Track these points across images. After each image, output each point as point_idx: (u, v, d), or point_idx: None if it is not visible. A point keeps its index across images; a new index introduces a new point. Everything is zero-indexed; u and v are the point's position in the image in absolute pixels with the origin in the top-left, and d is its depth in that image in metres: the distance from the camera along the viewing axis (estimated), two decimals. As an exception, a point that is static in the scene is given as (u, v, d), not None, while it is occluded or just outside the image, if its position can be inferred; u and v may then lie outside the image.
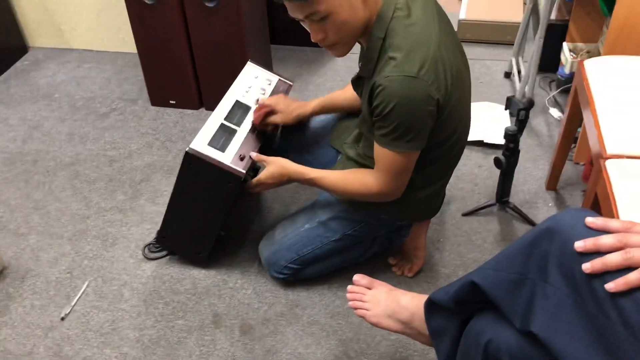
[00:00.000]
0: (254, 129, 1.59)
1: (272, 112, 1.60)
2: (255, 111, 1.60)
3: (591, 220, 0.80)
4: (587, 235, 0.79)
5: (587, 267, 0.77)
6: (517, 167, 1.78)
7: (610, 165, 1.31)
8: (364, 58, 1.32)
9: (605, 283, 0.75)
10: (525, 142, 2.17)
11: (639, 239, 0.76)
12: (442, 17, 1.33)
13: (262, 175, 1.49)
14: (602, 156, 1.36)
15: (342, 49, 1.32)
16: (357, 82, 1.41)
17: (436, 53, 1.22)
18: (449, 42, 1.29)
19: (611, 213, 1.22)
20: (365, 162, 1.49)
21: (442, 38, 1.26)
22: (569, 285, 0.80)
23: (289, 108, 1.62)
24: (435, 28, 1.26)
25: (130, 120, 2.39)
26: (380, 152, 1.33)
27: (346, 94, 1.65)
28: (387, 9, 1.26)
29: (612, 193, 1.25)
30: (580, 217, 0.81)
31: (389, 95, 1.21)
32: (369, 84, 1.28)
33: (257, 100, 1.68)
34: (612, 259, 0.75)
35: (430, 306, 1.10)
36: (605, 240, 0.77)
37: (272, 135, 1.68)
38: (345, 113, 1.72)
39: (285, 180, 1.49)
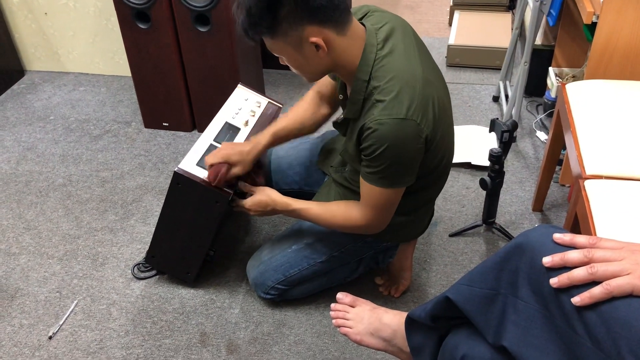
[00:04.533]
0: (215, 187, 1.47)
1: (229, 167, 1.48)
2: (210, 172, 1.46)
3: (558, 236, 0.82)
4: (555, 251, 0.81)
5: (554, 281, 0.79)
6: (503, 189, 1.80)
7: (589, 185, 1.34)
8: (349, 100, 1.31)
9: (572, 297, 0.77)
10: (512, 164, 2.20)
11: (603, 254, 0.78)
12: (420, 46, 1.34)
13: (248, 201, 1.51)
14: (581, 176, 1.39)
15: (308, 78, 1.35)
16: (341, 123, 1.40)
17: (422, 91, 1.23)
18: (430, 74, 1.30)
19: (589, 232, 1.24)
20: (351, 186, 1.51)
21: (425, 72, 1.27)
22: (538, 300, 0.82)
23: (243, 154, 1.49)
24: (417, 62, 1.27)
25: (123, 142, 2.42)
26: (367, 188, 1.33)
27: (295, 119, 1.62)
28: (370, 50, 1.26)
29: (591, 212, 1.27)
30: (548, 234, 0.83)
31: (381, 138, 1.22)
32: (357, 125, 1.29)
33: (247, 122, 1.71)
34: (578, 274, 0.77)
35: (410, 323, 1.11)
36: (572, 256, 0.79)
37: (240, 192, 1.55)
38: (332, 134, 1.75)
39: (269, 210, 1.50)
